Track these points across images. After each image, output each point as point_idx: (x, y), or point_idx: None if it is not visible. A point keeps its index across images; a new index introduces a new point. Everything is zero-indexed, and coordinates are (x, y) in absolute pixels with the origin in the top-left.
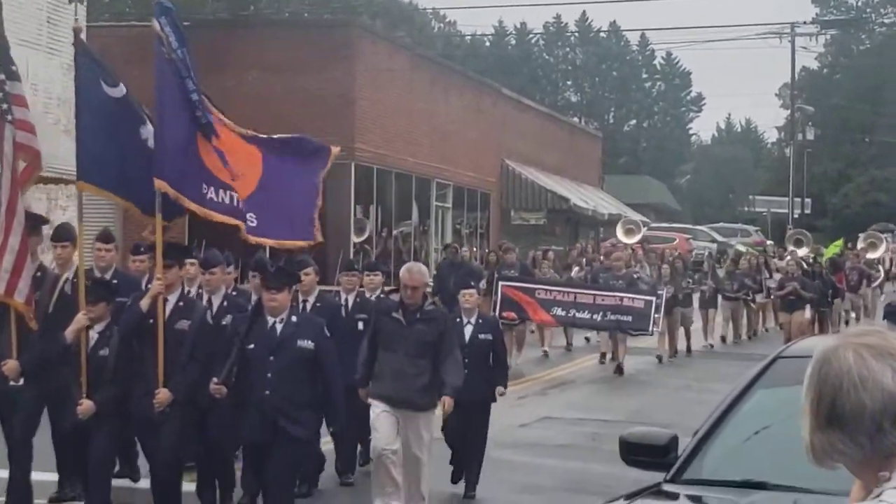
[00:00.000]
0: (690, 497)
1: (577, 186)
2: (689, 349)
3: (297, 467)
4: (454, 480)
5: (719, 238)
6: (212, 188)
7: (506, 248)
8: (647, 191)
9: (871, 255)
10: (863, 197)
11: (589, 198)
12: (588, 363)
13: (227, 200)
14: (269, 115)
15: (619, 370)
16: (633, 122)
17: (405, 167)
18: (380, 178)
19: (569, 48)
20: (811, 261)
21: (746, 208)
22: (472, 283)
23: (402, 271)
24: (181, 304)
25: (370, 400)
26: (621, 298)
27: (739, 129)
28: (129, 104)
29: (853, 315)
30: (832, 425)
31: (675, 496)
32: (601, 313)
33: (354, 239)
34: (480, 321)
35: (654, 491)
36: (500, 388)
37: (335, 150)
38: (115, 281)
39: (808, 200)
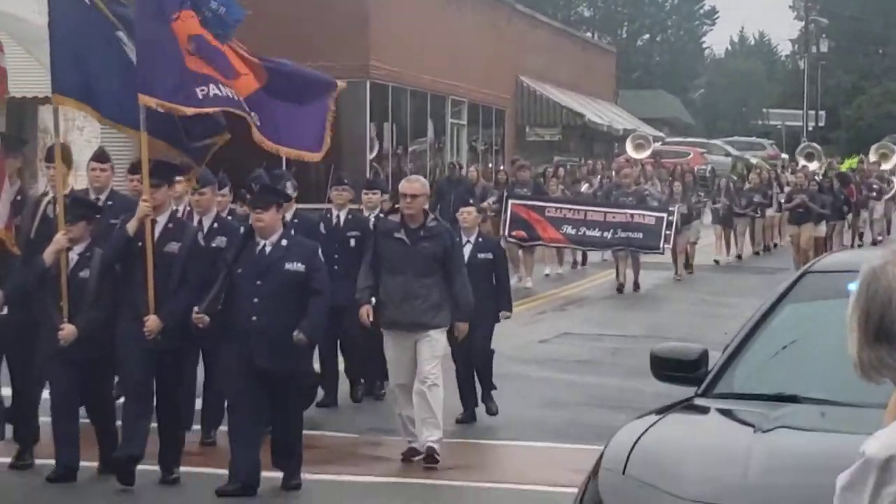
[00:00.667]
0: (721, 410)
1: (592, 102)
2: (690, 266)
3: (298, 399)
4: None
5: (734, 152)
6: (210, 85)
7: (518, 165)
8: (661, 105)
9: (884, 167)
10: (876, 109)
11: (603, 113)
12: (602, 280)
13: (230, 95)
14: (285, 35)
15: (636, 286)
16: (647, 36)
17: (420, 84)
18: (395, 96)
19: None
20: (822, 174)
21: (760, 122)
22: (471, 201)
23: (402, 182)
24: (170, 225)
25: (382, 329)
26: (632, 215)
27: (753, 42)
28: (102, 12)
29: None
30: (880, 341)
31: (706, 410)
32: (611, 230)
33: (369, 156)
34: (480, 240)
35: (686, 405)
36: (504, 313)
37: (341, 84)
38: (110, 202)
39: (821, 113)
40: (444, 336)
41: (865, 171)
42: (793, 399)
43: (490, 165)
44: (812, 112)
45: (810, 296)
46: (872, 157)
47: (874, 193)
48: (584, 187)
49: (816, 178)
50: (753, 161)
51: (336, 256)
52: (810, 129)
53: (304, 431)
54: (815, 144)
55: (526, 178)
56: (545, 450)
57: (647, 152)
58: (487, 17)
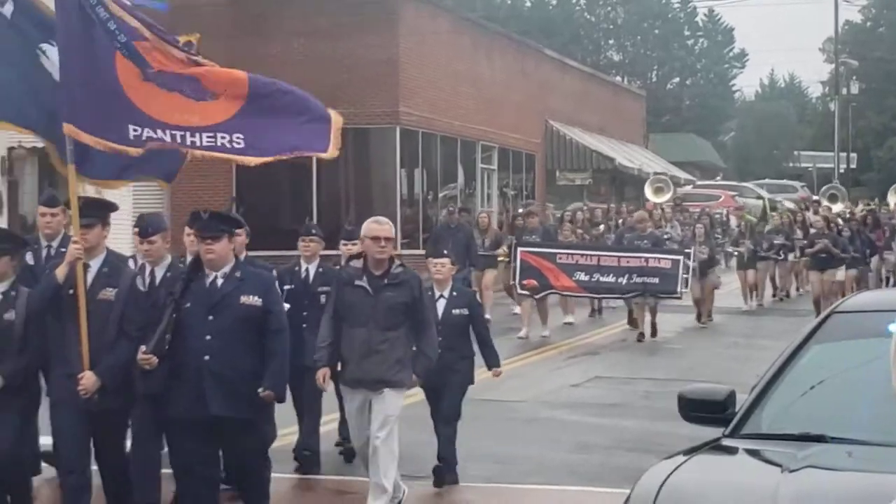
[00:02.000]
0: (749, 451)
1: (622, 146)
2: (709, 313)
3: (259, 448)
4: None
5: (765, 194)
6: (145, 129)
7: (528, 211)
8: (692, 149)
9: None
10: None
11: (634, 157)
12: (619, 329)
13: (169, 139)
14: (315, 81)
15: (654, 331)
16: (676, 79)
17: (450, 130)
18: (425, 142)
19: (610, 7)
20: (847, 216)
21: (791, 164)
22: (445, 252)
23: (370, 224)
24: (105, 269)
25: (342, 387)
26: (646, 259)
27: (783, 85)
28: (23, 26)
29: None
30: None
31: (734, 450)
32: (626, 276)
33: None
34: (455, 294)
35: (714, 446)
36: (496, 370)
37: (337, 119)
38: (63, 249)
39: (853, 155)
40: (402, 394)
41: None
42: (820, 439)
43: (508, 211)
44: (843, 154)
45: (837, 336)
46: (892, 198)
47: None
48: (601, 229)
49: (840, 220)
50: (789, 204)
51: (305, 314)
52: (842, 170)
53: None
54: (839, 185)
55: (535, 225)
56: (578, 493)
57: (668, 196)
58: (516, 61)
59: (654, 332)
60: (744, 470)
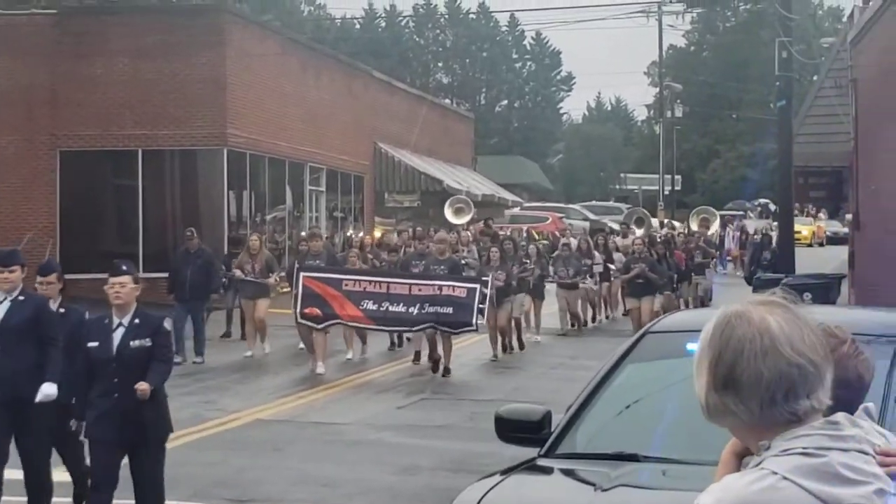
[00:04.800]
0: (564, 471)
1: (451, 168)
2: (521, 344)
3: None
4: None
5: (591, 216)
6: None
7: (311, 233)
8: (520, 171)
9: (710, 232)
10: (731, 172)
11: (462, 179)
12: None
13: None
14: (141, 102)
15: (446, 371)
16: (505, 102)
17: (278, 152)
18: (252, 164)
19: (439, 30)
20: (662, 237)
21: (618, 186)
22: (125, 268)
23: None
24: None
25: None
26: (440, 287)
27: (609, 108)
28: None
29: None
30: (727, 388)
31: (549, 470)
32: (417, 305)
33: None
34: (137, 322)
35: (529, 466)
36: (142, 385)
37: None
38: (22, 298)
39: (678, 177)
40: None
41: (686, 238)
42: (633, 458)
43: (349, 233)
44: (668, 176)
45: (650, 355)
46: (693, 225)
47: (703, 260)
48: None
49: (655, 242)
50: (614, 226)
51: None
52: (667, 192)
53: None
54: (643, 209)
55: (319, 249)
56: None
57: (468, 217)
58: (345, 83)
59: (446, 372)
60: (557, 489)
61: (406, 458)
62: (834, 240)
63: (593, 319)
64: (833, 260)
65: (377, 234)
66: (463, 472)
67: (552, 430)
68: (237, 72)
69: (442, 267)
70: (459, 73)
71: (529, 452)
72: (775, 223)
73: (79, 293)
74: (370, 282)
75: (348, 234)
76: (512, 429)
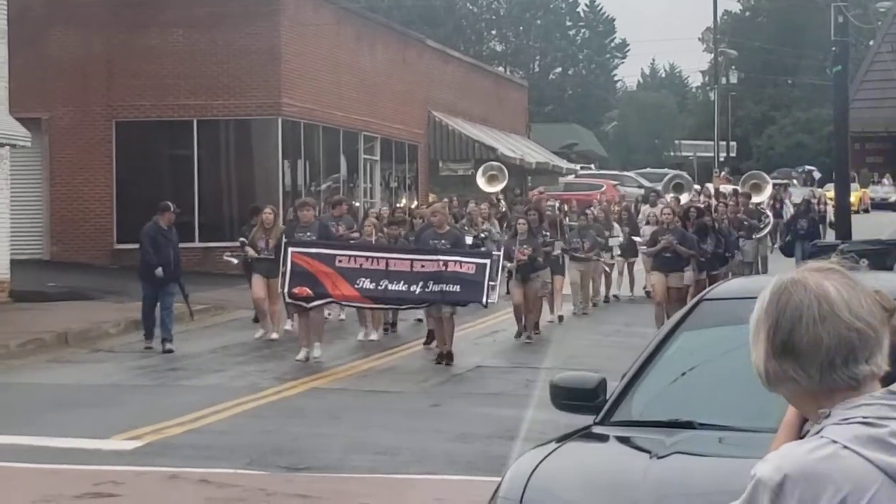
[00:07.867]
0: (619, 438)
1: (504, 136)
2: (535, 325)
3: None
4: None
5: (646, 183)
6: None
7: (301, 203)
8: (574, 138)
9: (755, 199)
10: (787, 139)
11: (516, 147)
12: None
13: None
14: (195, 73)
15: (450, 357)
16: (559, 70)
17: (332, 121)
18: (307, 133)
19: None
20: (703, 206)
21: (673, 153)
22: None
23: None
24: None
25: None
26: (445, 263)
27: (664, 75)
28: None
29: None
30: (786, 354)
31: (604, 437)
32: (420, 283)
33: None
34: None
35: (585, 433)
36: None
37: None
38: None
39: (732, 143)
40: None
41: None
42: (688, 425)
43: (404, 202)
44: (723, 143)
45: (705, 323)
46: (742, 190)
47: (743, 233)
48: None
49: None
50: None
51: None
52: (722, 159)
53: None
54: (684, 174)
55: (309, 219)
56: (457, 482)
57: (502, 185)
58: (399, 52)
59: (449, 358)
60: (613, 456)
61: (461, 425)
62: (881, 205)
63: (606, 299)
64: (890, 225)
65: (432, 199)
66: (518, 440)
67: (607, 397)
68: (291, 41)
69: (443, 241)
70: (513, 41)
71: (584, 420)
72: (818, 190)
73: (134, 263)
74: (367, 258)
75: (400, 203)
76: (567, 396)
